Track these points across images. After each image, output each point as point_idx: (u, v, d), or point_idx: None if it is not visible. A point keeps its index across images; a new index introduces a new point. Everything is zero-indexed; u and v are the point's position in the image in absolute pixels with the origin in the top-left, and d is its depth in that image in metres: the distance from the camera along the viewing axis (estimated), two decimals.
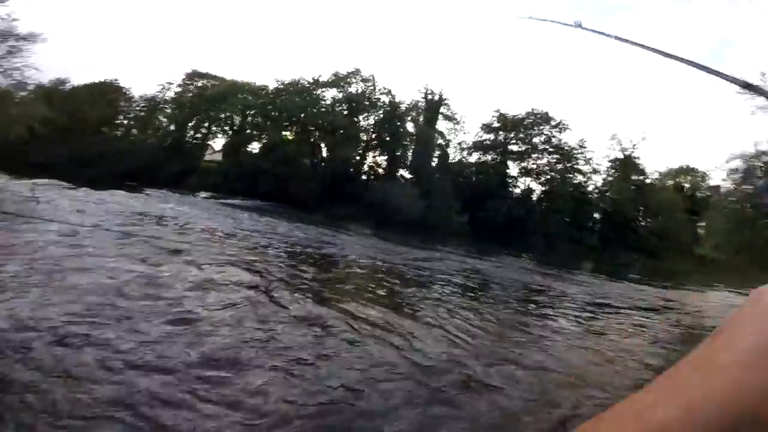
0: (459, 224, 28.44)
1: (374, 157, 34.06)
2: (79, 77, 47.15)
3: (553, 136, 33.31)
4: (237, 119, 34.92)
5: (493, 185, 31.46)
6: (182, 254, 5.17)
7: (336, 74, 33.40)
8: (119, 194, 13.11)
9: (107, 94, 34.29)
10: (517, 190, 34.00)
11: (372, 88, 33.68)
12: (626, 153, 32.69)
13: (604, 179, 33.82)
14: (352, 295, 4.91)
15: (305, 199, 27.30)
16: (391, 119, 33.04)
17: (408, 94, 54.83)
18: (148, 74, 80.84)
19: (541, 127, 33.45)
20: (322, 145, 31.96)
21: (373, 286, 5.43)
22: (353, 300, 4.52)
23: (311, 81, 33.31)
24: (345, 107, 33.11)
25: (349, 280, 5.75)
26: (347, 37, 74.25)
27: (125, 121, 36.07)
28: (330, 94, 33.68)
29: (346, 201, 27.75)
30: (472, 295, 6.62)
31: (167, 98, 35.92)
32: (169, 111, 35.90)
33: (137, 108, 36.22)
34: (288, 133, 32.47)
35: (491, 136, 34.68)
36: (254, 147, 33.06)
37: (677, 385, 0.20)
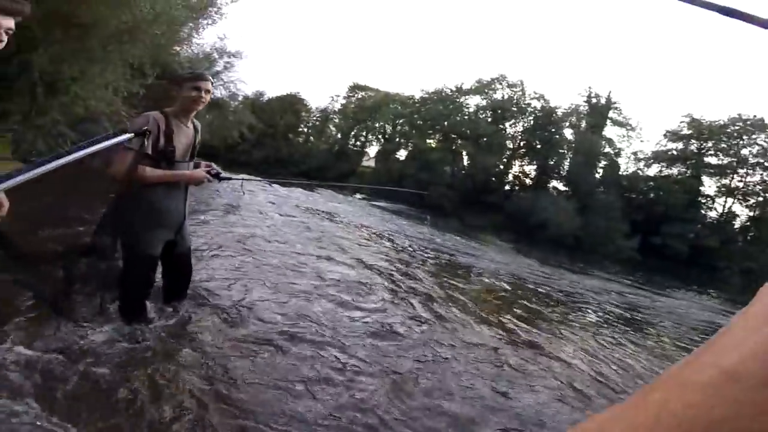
0: (625, 249, 24.40)
1: (521, 166, 32.03)
2: (271, 90, 57.50)
3: None
4: (388, 128, 37.61)
5: (677, 205, 25.79)
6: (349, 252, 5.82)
7: (479, 81, 32.75)
8: (298, 191, 15.55)
9: (293, 105, 41.14)
10: (713, 214, 27.39)
11: (520, 93, 31.84)
12: None
13: None
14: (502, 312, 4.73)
15: (443, 205, 27.54)
16: (544, 125, 30.53)
17: (567, 99, 50.06)
18: (322, 87, 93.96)
19: (754, 137, 26.17)
20: (464, 152, 31.66)
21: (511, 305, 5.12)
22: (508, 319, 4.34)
23: (454, 89, 33.43)
24: (489, 114, 32.18)
25: (493, 296, 5.55)
26: (498, 43, 72.03)
27: (305, 129, 42.69)
28: (473, 101, 33.20)
29: (484, 210, 26.84)
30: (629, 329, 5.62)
31: (335, 109, 41.21)
32: (336, 121, 41.07)
33: (314, 118, 42.56)
34: (431, 140, 33.19)
35: (679, 145, 28.77)
36: (402, 154, 34.85)
37: (658, 391, 0.19)
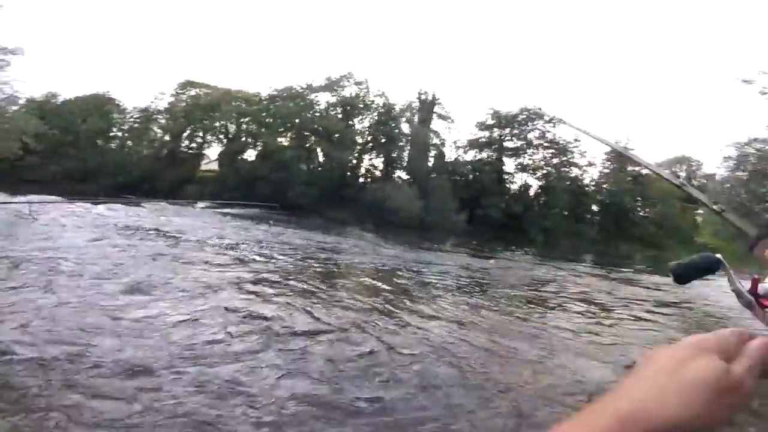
0: (458, 223, 28.50)
1: (370, 159, 34.14)
2: (69, 90, 46.94)
3: (548, 131, 33.42)
4: (232, 127, 34.85)
5: (489, 182, 31.56)
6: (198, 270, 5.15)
7: (329, 78, 33.41)
8: (117, 208, 13.06)
9: (100, 106, 34.23)
10: (515, 186, 34.12)
11: (366, 90, 33.72)
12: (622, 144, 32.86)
13: (600, 172, 34.00)
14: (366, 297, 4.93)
15: (303, 204, 27.29)
16: (386, 121, 33.10)
17: (402, 96, 55.02)
18: (140, 85, 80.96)
19: (535, 123, 33.55)
20: (318, 149, 31.99)
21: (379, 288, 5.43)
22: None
23: (304, 86, 33.30)
24: (339, 111, 33.18)
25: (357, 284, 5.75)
26: (339, 42, 74.41)
27: (119, 133, 35.99)
28: (324, 98, 33.72)
29: (344, 204, 27.75)
30: (477, 293, 6.64)
31: (161, 108, 35.88)
32: (163, 121, 35.80)
33: (131, 119, 36.14)
34: (283, 139, 32.48)
35: (486, 134, 34.76)
36: (250, 154, 33.07)
37: None
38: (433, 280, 6.97)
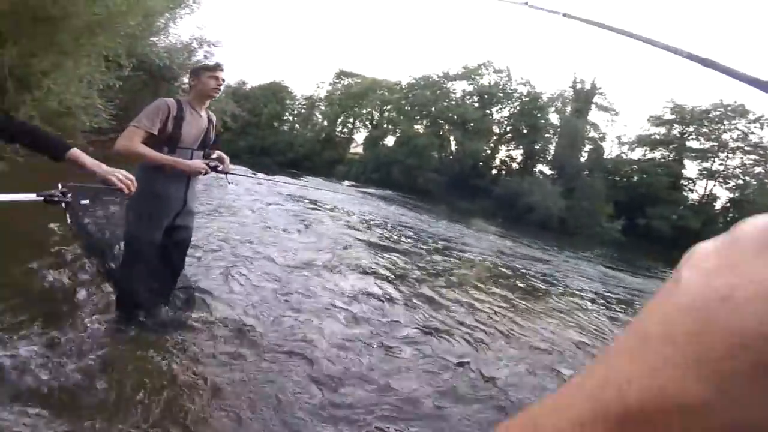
0: (609, 231, 24.91)
1: (508, 150, 32.26)
2: (254, 78, 56.39)
3: (752, 133, 26.22)
4: (376, 114, 37.29)
5: (660, 187, 26.36)
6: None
7: (466, 66, 32.64)
8: (287, 180, 15.47)
9: (277, 93, 40.41)
10: (694, 196, 28.02)
11: (507, 78, 31.87)
12: None
13: None
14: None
15: (432, 190, 27.67)
16: (530, 111, 30.68)
17: (553, 85, 50.19)
18: (307, 74, 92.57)
19: (734, 122, 26.66)
20: (452, 138, 31.70)
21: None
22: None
23: (441, 74, 33.24)
24: (476, 99, 32.16)
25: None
26: (484, 30, 71.44)
27: (290, 117, 42.05)
28: (460, 87, 33.18)
29: (473, 195, 27.01)
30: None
31: (321, 96, 40.59)
32: (323, 108, 40.47)
33: (299, 105, 41.87)
34: (419, 126, 33.09)
35: (662, 130, 29.20)
36: (390, 140, 34.70)
37: (593, 375, 0.18)
38: (555, 288, 6.39)
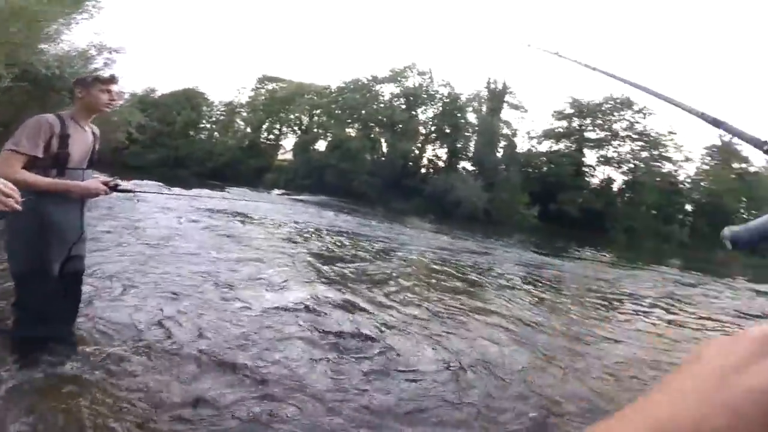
0: (527, 218, 27.11)
1: (434, 150, 33.77)
2: (164, 85, 52.33)
3: (637, 122, 30.27)
4: (305, 119, 36.66)
5: (566, 175, 29.38)
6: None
7: (393, 69, 33.62)
8: (205, 192, 14.42)
9: (191, 99, 37.79)
10: (595, 181, 31.54)
11: (429, 80, 33.37)
12: (725, 138, 28.72)
13: (698, 168, 30.14)
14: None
15: (367, 193, 27.89)
16: (451, 111, 32.42)
17: (470, 85, 53.35)
18: (224, 80, 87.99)
19: (622, 113, 30.57)
20: (382, 140, 32.34)
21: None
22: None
23: (370, 78, 33.86)
24: (403, 101, 33.19)
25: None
26: (405, 32, 73.95)
27: (208, 125, 39.53)
28: (388, 90, 34.05)
29: (406, 195, 27.84)
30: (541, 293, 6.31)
31: (242, 102, 38.79)
32: (245, 114, 38.66)
33: (217, 112, 39.55)
34: (351, 130, 33.32)
35: (564, 123, 32.48)
36: (321, 145, 34.46)
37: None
38: (490, 277, 6.78)
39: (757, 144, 0.66)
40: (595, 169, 31.71)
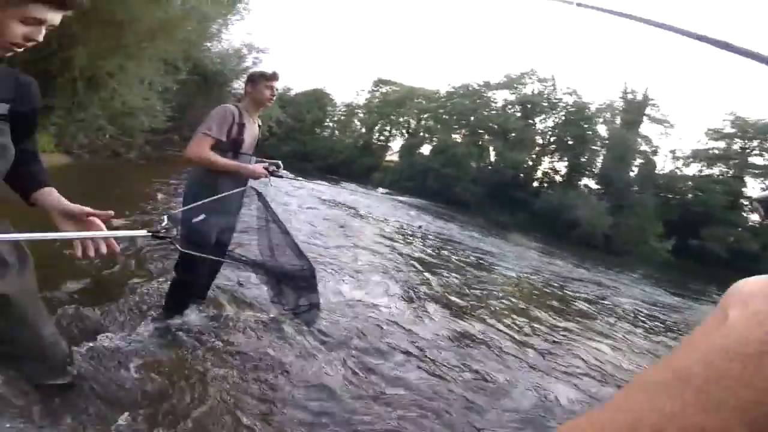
0: (658, 251, 23.39)
1: (552, 162, 31.18)
2: (298, 84, 58.10)
3: None
4: (413, 122, 37.39)
5: (717, 206, 24.58)
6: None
7: (508, 75, 32.12)
8: (323, 186, 15.72)
9: (319, 100, 41.41)
10: (755, 217, 25.84)
11: (552, 88, 30.98)
12: None
13: None
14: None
15: (468, 201, 27.16)
16: (576, 121, 29.60)
17: (602, 95, 48.26)
18: (347, 81, 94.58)
19: None
20: (491, 148, 31.06)
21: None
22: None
23: (482, 83, 32.90)
24: (518, 109, 31.46)
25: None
26: (528, 38, 70.05)
27: (330, 124, 42.91)
28: (502, 96, 32.66)
29: (511, 208, 26.25)
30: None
31: (360, 103, 41.24)
32: (361, 115, 41.08)
33: (339, 112, 42.71)
34: (457, 135, 32.77)
35: (722, 144, 27.33)
36: (426, 149, 34.63)
37: (628, 401, 0.19)
38: (597, 308, 5.96)
39: None
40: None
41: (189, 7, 7.48)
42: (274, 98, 2.41)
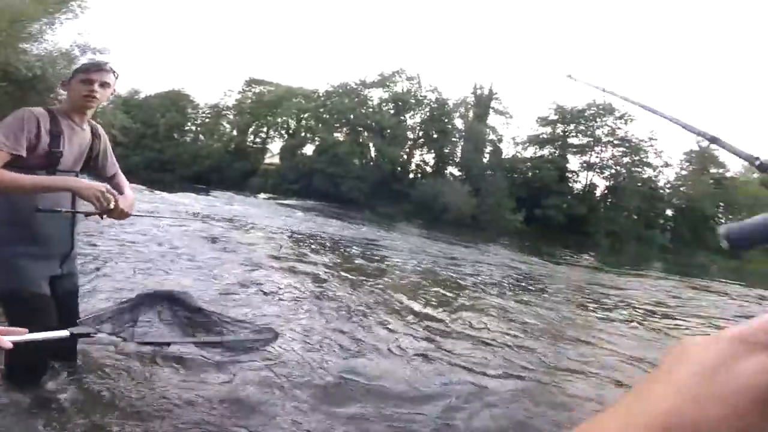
0: (513, 222, 27.47)
1: (422, 155, 34.00)
2: (149, 87, 51.56)
3: (618, 128, 31.05)
4: (292, 123, 36.49)
5: (550, 181, 29.93)
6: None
7: (381, 74, 33.75)
8: (190, 197, 14.21)
9: (176, 102, 37.27)
10: (579, 186, 32.17)
11: (417, 86, 33.62)
12: (703, 144, 29.73)
13: (677, 173, 31.06)
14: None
15: (355, 198, 27.88)
16: (439, 116, 32.72)
17: (457, 91, 53.98)
18: (210, 82, 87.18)
19: (605, 119, 31.32)
20: (371, 144, 32.42)
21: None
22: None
23: (358, 82, 33.92)
24: (392, 106, 33.35)
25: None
26: (393, 37, 74.50)
27: (193, 128, 39.00)
28: (377, 94, 34.18)
29: (394, 200, 27.90)
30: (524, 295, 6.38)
31: (229, 105, 38.42)
32: (231, 117, 38.28)
33: (203, 115, 39.06)
34: (339, 134, 33.28)
35: (548, 129, 33.14)
36: (309, 149, 34.34)
37: None
38: (475, 280, 6.85)
39: (750, 159, 0.69)
40: (578, 175, 32.40)
41: None
42: (97, 96, 1.77)
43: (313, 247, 7.85)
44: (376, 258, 7.55)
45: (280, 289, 4.29)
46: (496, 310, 4.92)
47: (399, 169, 31.85)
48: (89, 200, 1.66)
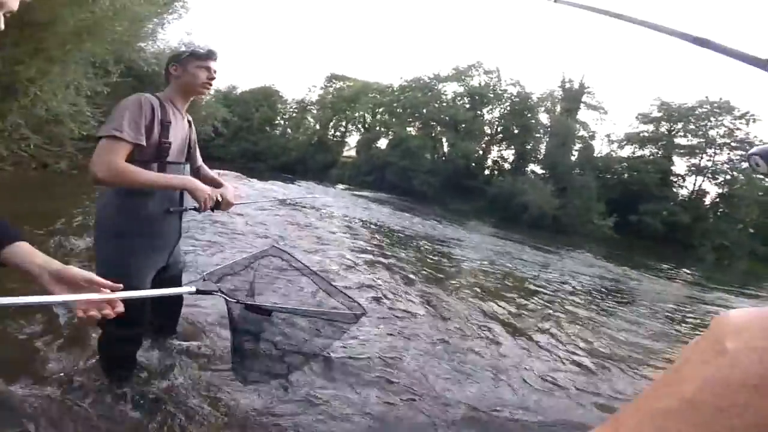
0: (602, 228, 25.14)
1: (500, 151, 32.46)
2: (244, 83, 56.25)
3: (737, 129, 26.70)
4: (368, 117, 37.36)
5: (651, 184, 26.69)
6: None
7: (456, 68, 32.92)
8: (277, 185, 15.32)
9: (268, 97, 40.24)
10: (684, 192, 28.43)
11: (497, 79, 32.13)
12: None
13: None
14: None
15: (426, 192, 27.74)
16: (521, 111, 30.94)
17: (542, 85, 50.78)
18: (297, 78, 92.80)
19: (720, 118, 27.15)
20: (444, 139, 31.81)
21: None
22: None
23: (432, 76, 33.47)
24: (467, 100, 32.38)
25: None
26: (474, 31, 72.12)
27: (282, 121, 41.87)
28: (451, 88, 33.43)
29: (466, 196, 27.07)
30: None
31: (312, 100, 40.55)
32: (314, 111, 40.43)
33: (290, 109, 41.75)
34: (411, 128, 33.22)
35: (650, 127, 29.67)
36: (383, 143, 34.75)
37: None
38: (553, 288, 6.40)
39: (758, 64, 0.58)
40: (684, 179, 28.61)
41: (118, 6, 7.01)
42: (213, 84, 1.74)
43: (388, 240, 7.99)
44: (456, 257, 7.41)
45: (367, 285, 4.09)
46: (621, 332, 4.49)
47: (473, 164, 30.82)
48: (198, 201, 1.67)
